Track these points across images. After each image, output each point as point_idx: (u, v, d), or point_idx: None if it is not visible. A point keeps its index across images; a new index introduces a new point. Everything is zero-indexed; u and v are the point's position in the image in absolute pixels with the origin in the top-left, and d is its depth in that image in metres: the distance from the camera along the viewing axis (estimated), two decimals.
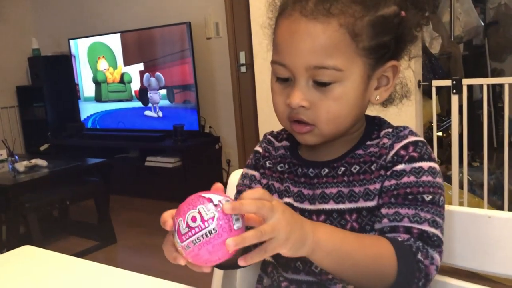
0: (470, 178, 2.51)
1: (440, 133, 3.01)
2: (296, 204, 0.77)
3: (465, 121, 2.10)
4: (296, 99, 0.69)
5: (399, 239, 0.66)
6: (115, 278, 0.79)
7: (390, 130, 0.75)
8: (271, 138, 0.87)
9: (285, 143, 0.84)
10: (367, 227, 0.72)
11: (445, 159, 2.74)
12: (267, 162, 0.84)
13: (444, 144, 3.03)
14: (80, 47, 4.29)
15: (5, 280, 0.79)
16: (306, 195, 0.77)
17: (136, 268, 0.83)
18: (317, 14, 0.66)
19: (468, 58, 3.59)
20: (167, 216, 0.61)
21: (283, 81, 0.72)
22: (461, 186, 2.19)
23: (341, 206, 0.73)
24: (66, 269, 0.84)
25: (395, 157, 0.71)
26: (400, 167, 0.70)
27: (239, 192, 0.86)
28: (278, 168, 0.82)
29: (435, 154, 2.04)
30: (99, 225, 2.96)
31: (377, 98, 0.74)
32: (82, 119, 4.44)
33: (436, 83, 2.12)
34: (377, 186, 0.72)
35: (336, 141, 0.76)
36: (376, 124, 0.78)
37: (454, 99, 2.07)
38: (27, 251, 0.91)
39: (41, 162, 2.83)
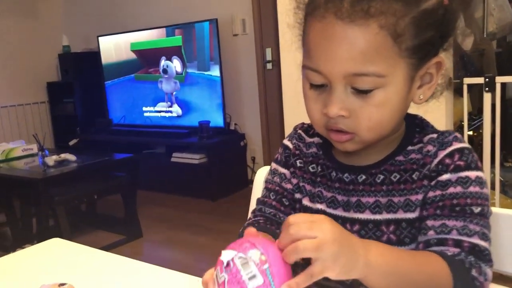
0: (502, 179, 2.44)
1: (471, 132, 2.93)
2: (328, 210, 0.73)
3: (498, 119, 2.03)
4: (334, 108, 0.63)
5: (449, 253, 0.61)
6: (140, 272, 0.79)
7: (435, 135, 0.69)
8: (302, 134, 0.81)
9: (317, 139, 0.79)
10: (406, 239, 0.68)
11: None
12: (297, 161, 0.79)
13: (475, 143, 2.95)
14: (108, 44, 4.36)
15: (34, 271, 0.81)
16: (341, 201, 0.73)
17: (161, 262, 0.84)
18: (355, 16, 0.60)
19: (502, 55, 3.48)
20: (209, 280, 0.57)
21: (318, 87, 0.66)
22: (492, 187, 2.12)
23: (378, 216, 0.69)
24: (93, 261, 0.85)
25: (440, 166, 0.67)
26: (445, 177, 0.66)
27: (268, 189, 0.82)
28: (310, 169, 0.77)
29: None
30: (126, 219, 3.00)
31: (421, 97, 0.68)
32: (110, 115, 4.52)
33: (467, 80, 2.06)
34: (419, 197, 0.67)
35: (375, 147, 0.71)
36: (417, 125, 0.72)
37: (487, 97, 2.01)
38: (56, 243, 0.93)
39: (70, 156, 2.89)
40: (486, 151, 2.06)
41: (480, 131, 2.69)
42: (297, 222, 0.52)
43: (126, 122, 4.42)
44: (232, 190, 3.70)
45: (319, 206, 0.74)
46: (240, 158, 3.90)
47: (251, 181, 3.48)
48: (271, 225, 0.76)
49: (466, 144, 0.68)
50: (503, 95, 3.00)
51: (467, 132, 2.43)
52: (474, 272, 0.60)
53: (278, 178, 0.81)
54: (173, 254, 2.72)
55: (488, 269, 0.62)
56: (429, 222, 0.65)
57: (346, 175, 0.73)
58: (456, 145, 0.67)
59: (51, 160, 2.81)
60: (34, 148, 3.17)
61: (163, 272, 0.78)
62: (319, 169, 0.76)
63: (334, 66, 0.62)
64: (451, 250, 0.61)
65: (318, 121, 0.68)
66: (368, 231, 0.70)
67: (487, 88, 1.99)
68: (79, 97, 4.62)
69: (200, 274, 0.77)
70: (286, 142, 0.83)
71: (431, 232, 0.64)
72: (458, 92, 2.17)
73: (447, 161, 0.66)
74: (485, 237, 0.63)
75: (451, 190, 0.65)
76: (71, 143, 4.46)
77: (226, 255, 0.52)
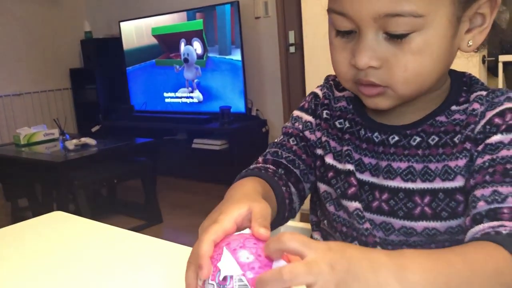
0: None
1: None
2: (357, 174, 0.65)
3: None
4: (364, 58, 0.55)
5: (505, 232, 0.49)
6: (144, 245, 0.75)
7: (484, 93, 0.60)
8: (333, 85, 0.72)
9: (347, 93, 0.70)
10: (444, 213, 0.59)
11: None
12: (324, 112, 0.70)
13: None
14: (129, 29, 4.34)
15: (36, 244, 0.79)
16: (367, 164, 0.64)
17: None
18: None
19: None
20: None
21: (345, 34, 0.57)
22: None
23: (410, 185, 0.61)
24: (96, 234, 0.83)
25: (488, 127, 0.57)
26: (495, 138, 0.56)
27: (287, 134, 0.73)
28: (337, 124, 0.69)
29: None
30: (146, 204, 2.98)
31: (470, 44, 0.58)
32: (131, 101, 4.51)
33: (503, 58, 1.93)
34: (460, 163, 0.58)
35: (414, 105, 0.61)
36: (465, 84, 0.63)
37: None
38: (58, 216, 0.89)
39: (90, 141, 2.88)
40: None
41: None
42: (293, 265, 0.39)
43: (148, 109, 4.40)
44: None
45: (349, 166, 0.65)
46: (261, 144, 3.83)
47: None
48: (279, 178, 0.66)
49: None
50: None
51: None
52: None
53: (301, 125, 0.72)
54: (193, 240, 2.65)
55: None
56: (478, 192, 0.54)
57: (376, 134, 0.64)
58: (508, 105, 0.58)
59: (71, 144, 2.80)
60: (56, 133, 3.18)
61: (168, 245, 0.74)
62: (347, 125, 0.68)
63: (362, 7, 0.53)
64: (507, 226, 0.50)
65: (345, 74, 0.59)
66: (398, 201, 0.61)
67: None
68: (101, 84, 4.62)
69: None
70: (316, 90, 0.74)
71: (481, 203, 0.53)
72: (492, 71, 2.05)
73: (497, 120, 0.57)
74: None
75: (504, 153, 0.55)
76: (94, 129, 4.48)
77: (226, 268, 0.44)
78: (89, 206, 2.66)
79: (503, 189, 0.53)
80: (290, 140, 0.71)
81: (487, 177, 0.54)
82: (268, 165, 0.68)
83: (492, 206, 0.52)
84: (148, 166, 2.93)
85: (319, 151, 0.70)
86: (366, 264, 0.40)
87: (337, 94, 0.71)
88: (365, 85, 0.58)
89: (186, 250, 0.68)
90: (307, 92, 2.65)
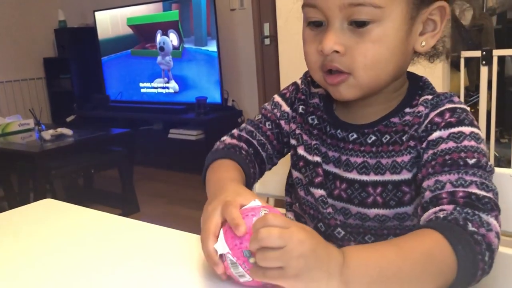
0: (497, 154, 2.44)
1: (468, 108, 2.93)
2: (324, 165, 0.72)
3: (494, 94, 2.03)
4: (329, 42, 0.61)
5: (442, 216, 0.55)
6: (134, 230, 0.80)
7: (429, 97, 0.66)
8: (310, 82, 0.79)
9: (321, 90, 0.76)
10: (392, 202, 0.66)
11: None
12: (300, 107, 0.77)
13: None
14: (104, 19, 4.31)
15: (26, 231, 0.81)
16: (331, 157, 0.72)
17: None
18: None
19: (501, 31, 3.45)
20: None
21: (316, 26, 0.65)
22: None
23: (365, 177, 0.68)
24: (86, 221, 0.86)
25: (429, 126, 0.64)
26: (435, 134, 0.63)
27: (265, 117, 0.80)
28: (309, 119, 0.76)
29: None
30: (123, 194, 3.02)
31: (423, 44, 0.65)
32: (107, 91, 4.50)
33: (465, 54, 2.05)
34: (405, 158, 0.65)
35: (374, 101, 0.68)
36: (420, 88, 0.69)
37: (484, 71, 2.00)
38: (48, 203, 0.93)
39: (67, 131, 2.88)
40: (482, 124, 2.06)
41: (477, 107, 2.69)
42: (269, 227, 0.48)
43: (123, 99, 4.40)
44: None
45: (317, 158, 0.73)
46: None
47: None
48: (250, 162, 0.74)
49: (460, 105, 0.65)
50: (501, 72, 2.99)
51: None
52: (471, 227, 0.54)
53: (279, 113, 0.79)
54: (170, 228, 2.74)
55: (491, 219, 0.55)
56: (425, 183, 0.61)
57: (338, 131, 0.72)
58: (448, 106, 0.65)
59: (47, 134, 2.80)
60: (31, 123, 3.17)
61: (155, 228, 0.79)
62: (316, 121, 0.75)
63: None
64: (445, 209, 0.56)
65: (314, 63, 0.66)
66: (354, 191, 0.69)
67: (484, 62, 1.98)
68: (75, 73, 4.59)
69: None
70: (298, 81, 0.81)
71: (427, 193, 0.60)
72: (455, 66, 2.17)
73: (437, 119, 0.64)
74: (484, 186, 0.58)
75: (443, 146, 0.62)
76: (68, 119, 4.45)
77: (220, 247, 0.53)
78: (66, 196, 2.68)
79: (443, 177, 0.59)
80: (266, 124, 0.79)
81: (430, 170, 0.61)
82: (241, 144, 0.76)
83: (435, 194, 0.59)
84: (125, 156, 2.96)
85: (293, 142, 0.77)
86: (325, 253, 0.48)
87: (313, 90, 0.78)
88: (330, 74, 0.65)
89: (175, 234, 0.75)
90: (282, 83, 2.73)
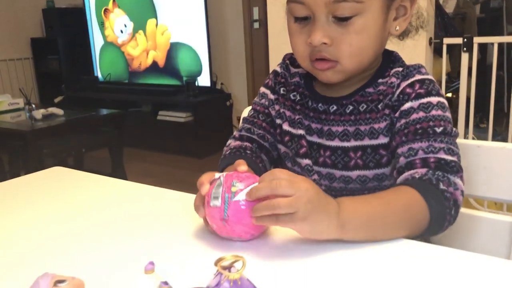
0: (476, 138, 2.55)
1: (450, 94, 3.03)
2: (307, 136, 0.80)
3: (474, 81, 2.12)
4: (317, 36, 0.69)
5: (417, 176, 0.65)
6: (142, 193, 0.86)
7: (400, 69, 0.75)
8: (289, 63, 0.87)
9: (301, 70, 0.84)
10: (371, 164, 0.75)
11: (453, 120, 2.77)
12: (281, 89, 0.86)
13: (454, 105, 3.05)
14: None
15: (37, 197, 0.86)
16: (315, 129, 0.79)
17: None
18: None
19: (484, 20, 3.54)
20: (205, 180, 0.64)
21: (302, 20, 0.71)
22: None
23: (346, 144, 0.76)
24: (94, 186, 0.91)
25: (401, 96, 0.72)
26: (407, 105, 0.71)
27: (256, 111, 0.88)
28: (291, 96, 0.84)
29: None
30: (113, 174, 3.06)
31: (397, 28, 0.74)
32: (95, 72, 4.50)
33: (447, 40, 2.13)
34: (382, 125, 0.74)
35: (352, 78, 0.76)
36: (392, 61, 0.79)
37: (464, 57, 2.09)
38: (57, 171, 0.99)
39: (58, 111, 2.91)
40: (462, 109, 2.16)
41: (459, 93, 2.79)
42: (280, 178, 0.57)
43: (112, 80, 4.41)
44: (218, 149, 3.74)
45: (300, 131, 0.80)
46: (226, 118, 3.95)
47: None
48: (256, 157, 0.83)
49: (428, 76, 0.74)
50: (483, 60, 3.09)
51: (446, 93, 2.51)
52: (442, 186, 0.64)
53: (266, 101, 0.88)
54: None
55: (457, 179, 0.66)
56: (399, 150, 0.70)
57: (320, 105, 0.80)
58: (418, 77, 0.74)
59: (38, 113, 2.83)
60: (21, 102, 3.18)
61: (163, 191, 0.85)
62: (299, 98, 0.83)
63: None
64: (419, 172, 0.66)
65: (303, 53, 0.74)
66: (337, 156, 0.77)
67: (465, 48, 2.06)
68: (64, 54, 4.58)
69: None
70: (276, 68, 0.89)
71: (401, 159, 0.69)
72: (438, 52, 2.25)
73: (408, 90, 0.73)
74: (451, 151, 0.67)
75: (414, 116, 0.71)
76: (56, 100, 4.45)
77: (220, 174, 0.63)
78: None
79: (415, 145, 0.69)
80: (260, 117, 0.88)
81: (404, 138, 0.71)
82: (244, 143, 0.85)
83: (409, 160, 0.69)
84: (115, 136, 3.01)
85: (278, 121, 0.85)
86: (325, 200, 0.58)
87: (293, 70, 0.86)
88: (319, 61, 0.72)
89: (176, 195, 0.82)
90: (271, 67, 2.78)
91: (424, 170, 0.66)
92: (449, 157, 0.67)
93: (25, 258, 0.63)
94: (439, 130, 0.69)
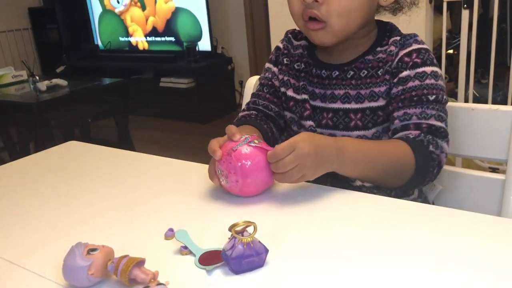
0: (477, 94, 2.57)
1: (451, 51, 3.02)
2: (311, 101, 0.87)
3: (475, 36, 2.12)
4: None
5: (411, 136, 0.75)
6: (157, 164, 0.91)
7: (398, 38, 0.82)
8: (291, 37, 0.94)
9: (303, 42, 0.91)
10: (369, 124, 0.82)
11: (454, 77, 2.77)
12: (284, 59, 0.92)
13: (455, 61, 3.04)
14: None
15: (58, 173, 0.91)
16: (318, 93, 0.86)
17: None
18: None
19: None
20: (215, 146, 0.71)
21: None
22: (467, 102, 2.26)
23: (347, 106, 0.83)
24: (112, 160, 0.96)
25: (400, 63, 0.80)
26: (405, 73, 0.79)
27: (261, 85, 0.95)
28: (295, 66, 0.90)
29: (444, 71, 2.08)
30: (120, 142, 3.11)
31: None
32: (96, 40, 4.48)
33: None
34: (382, 89, 0.80)
35: (349, 45, 0.83)
36: (388, 31, 0.85)
37: (465, 14, 2.08)
38: (72, 145, 1.04)
39: (62, 81, 2.94)
40: (462, 66, 2.17)
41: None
42: (283, 158, 0.66)
43: (112, 48, 4.40)
44: (221, 113, 3.81)
45: (304, 96, 0.87)
46: (228, 82, 3.97)
47: (240, 105, 3.60)
48: (261, 120, 0.90)
49: (424, 46, 0.80)
50: (485, 13, 3.06)
51: (448, 51, 2.51)
52: (431, 148, 0.74)
53: (270, 75, 0.95)
54: None
55: (444, 143, 0.76)
56: (395, 114, 0.79)
57: (323, 71, 0.86)
58: (415, 46, 0.80)
59: (43, 85, 2.86)
60: (24, 74, 3.20)
61: (176, 162, 0.90)
62: (303, 66, 0.89)
63: None
64: (413, 133, 0.75)
65: (297, 12, 0.81)
66: (339, 118, 0.84)
67: (465, 5, 2.05)
68: (63, 23, 4.54)
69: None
70: (278, 44, 0.95)
71: (396, 121, 0.78)
72: (439, 10, 2.23)
73: (406, 59, 0.80)
74: (440, 118, 0.77)
75: (410, 84, 0.78)
76: (58, 70, 4.46)
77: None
78: None
79: (410, 111, 0.77)
80: (264, 89, 0.95)
81: (400, 104, 0.79)
82: (251, 111, 0.93)
83: (404, 123, 0.77)
84: (120, 105, 3.04)
85: (283, 89, 0.92)
86: (324, 144, 0.69)
87: (295, 43, 0.93)
88: (311, 21, 0.79)
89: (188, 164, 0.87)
90: (271, 30, 2.78)
91: (417, 132, 0.75)
92: (438, 123, 0.76)
93: (58, 230, 0.68)
94: (431, 98, 0.77)
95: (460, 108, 0.84)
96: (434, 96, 0.77)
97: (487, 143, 0.82)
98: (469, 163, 2.07)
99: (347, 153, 0.71)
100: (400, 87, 0.79)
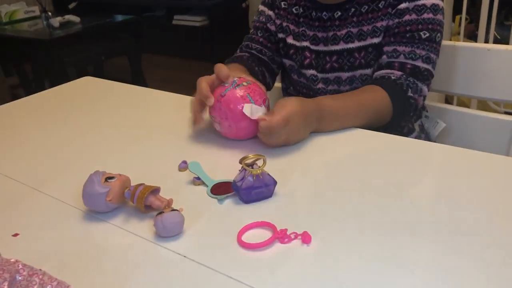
0: (498, 37, 2.49)
1: None
2: (312, 47, 0.85)
3: None
4: None
5: (392, 78, 0.75)
6: (170, 100, 0.92)
7: None
8: None
9: None
10: (372, 62, 0.81)
11: (476, 18, 2.68)
12: (282, 3, 0.89)
13: (477, 3, 2.93)
14: None
15: (75, 107, 0.93)
16: (321, 37, 0.84)
17: None
18: None
19: None
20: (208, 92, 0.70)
21: None
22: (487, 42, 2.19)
23: (350, 45, 0.81)
24: (127, 95, 0.98)
25: None
26: (403, 5, 0.76)
27: (255, 28, 0.92)
28: (293, 10, 0.88)
29: (465, 12, 2.01)
30: (133, 80, 3.12)
31: None
32: None
33: None
34: (384, 23, 0.78)
35: None
36: None
37: None
38: (87, 81, 1.05)
39: (74, 18, 2.91)
40: (485, 6, 2.10)
41: None
42: (275, 129, 0.64)
43: None
44: (235, 52, 3.75)
45: (304, 43, 0.85)
46: (241, 20, 3.87)
47: None
48: (252, 62, 0.89)
49: None
50: None
51: None
52: (410, 92, 0.75)
53: (264, 18, 0.92)
54: None
55: (424, 87, 0.77)
56: (385, 48, 0.78)
57: (324, 13, 0.84)
58: None
59: (56, 21, 2.83)
60: (36, 10, 3.17)
61: (188, 99, 0.90)
62: (301, 10, 0.87)
63: None
64: (395, 74, 0.76)
65: None
66: (343, 58, 0.83)
67: None
68: None
69: None
70: None
71: (384, 56, 0.78)
72: None
73: None
74: (428, 60, 0.76)
75: (407, 17, 0.76)
76: (71, 6, 4.39)
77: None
78: None
79: (400, 48, 0.76)
80: (258, 33, 0.93)
81: (392, 38, 0.77)
82: (243, 53, 0.91)
83: (390, 60, 0.77)
84: (134, 43, 3.02)
85: (281, 35, 0.90)
86: (307, 111, 0.68)
87: None
88: None
89: None
90: None
91: (399, 74, 0.75)
92: (424, 65, 0.75)
93: (77, 160, 0.71)
94: (424, 36, 0.75)
95: (475, 49, 0.82)
96: (427, 34, 0.76)
97: (503, 84, 0.81)
98: (484, 107, 2.05)
99: (328, 111, 0.71)
100: (396, 20, 0.77)
